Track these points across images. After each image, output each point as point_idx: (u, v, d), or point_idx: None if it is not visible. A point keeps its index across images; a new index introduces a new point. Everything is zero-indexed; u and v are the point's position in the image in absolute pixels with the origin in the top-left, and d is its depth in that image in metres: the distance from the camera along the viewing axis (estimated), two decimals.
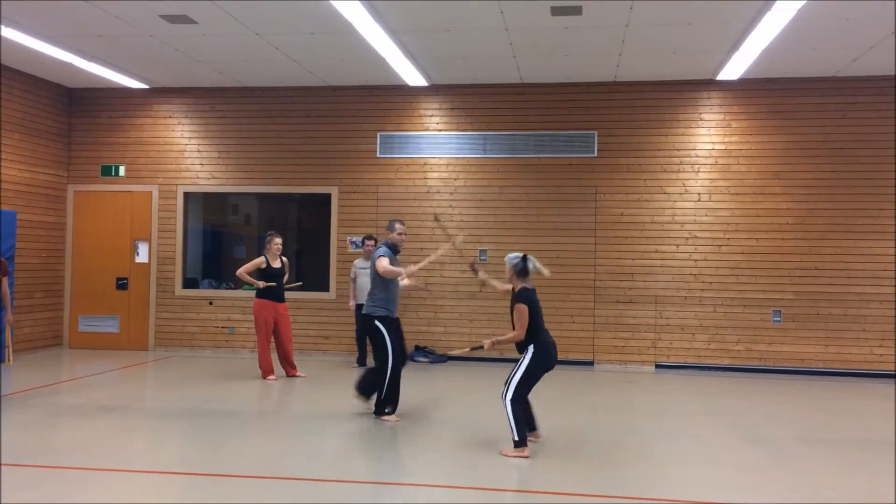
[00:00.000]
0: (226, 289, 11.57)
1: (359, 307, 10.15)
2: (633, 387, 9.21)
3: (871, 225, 10.03)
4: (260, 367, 9.08)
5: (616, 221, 10.53)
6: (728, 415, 7.59)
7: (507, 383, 5.81)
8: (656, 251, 10.44)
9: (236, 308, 11.30)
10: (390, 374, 6.81)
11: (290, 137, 11.31)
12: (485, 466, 5.52)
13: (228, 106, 11.44)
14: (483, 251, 10.78)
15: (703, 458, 5.94)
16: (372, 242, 10.23)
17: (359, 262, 10.28)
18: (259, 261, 9.02)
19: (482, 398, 7.92)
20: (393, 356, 6.78)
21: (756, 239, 10.27)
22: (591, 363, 10.48)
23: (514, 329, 5.83)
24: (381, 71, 10.13)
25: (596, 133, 10.59)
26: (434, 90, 10.99)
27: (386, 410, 6.91)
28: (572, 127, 10.65)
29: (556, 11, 7.76)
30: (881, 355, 9.98)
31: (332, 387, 8.80)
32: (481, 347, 6.08)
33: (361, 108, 11.15)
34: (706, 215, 10.40)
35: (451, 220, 10.92)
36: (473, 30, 8.47)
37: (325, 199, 11.25)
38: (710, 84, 10.36)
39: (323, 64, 10.03)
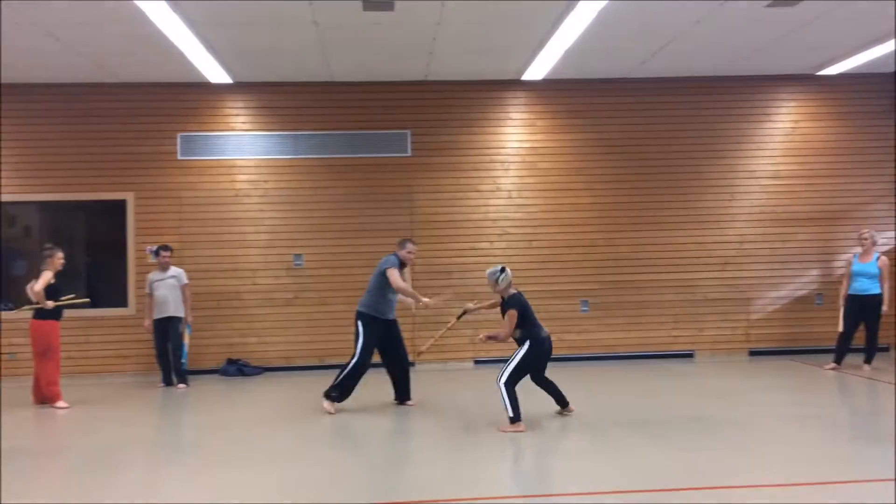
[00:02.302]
0: (4, 310, 10.24)
1: (158, 322, 9.40)
2: (452, 384, 9.27)
3: (661, 216, 10.80)
4: (49, 393, 8.12)
5: (432, 220, 10.55)
6: (547, 404, 7.78)
7: (503, 370, 6.63)
8: (472, 248, 10.59)
9: (17, 331, 10.01)
10: (353, 365, 7.30)
11: (76, 139, 10.23)
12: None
13: (2, 105, 10.13)
14: (298, 256, 10.38)
15: (531, 449, 6.01)
16: (168, 254, 9.50)
17: (154, 276, 9.52)
18: (49, 277, 8.05)
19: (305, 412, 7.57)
20: (362, 352, 7.29)
21: (563, 233, 10.71)
22: (411, 364, 10.40)
23: (503, 328, 6.73)
24: (179, 66, 9.41)
25: (409, 132, 10.55)
26: (239, 88, 10.41)
27: (332, 395, 7.34)
28: (385, 126, 10.54)
29: (368, 6, 7.57)
30: (676, 336, 10.79)
31: (135, 412, 8.04)
32: (465, 312, 7.39)
33: (159, 106, 10.32)
34: (517, 212, 10.70)
35: (263, 224, 10.42)
36: (281, 24, 8.08)
37: (120, 207, 10.30)
38: (517, 84, 10.67)
39: (113, 58, 9.16)
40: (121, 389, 9.33)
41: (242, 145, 10.43)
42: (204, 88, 10.32)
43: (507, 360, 6.75)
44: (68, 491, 5.14)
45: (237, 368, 10.14)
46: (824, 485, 4.89)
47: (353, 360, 7.35)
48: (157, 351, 9.51)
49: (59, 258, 8.19)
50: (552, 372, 9.73)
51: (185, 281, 9.57)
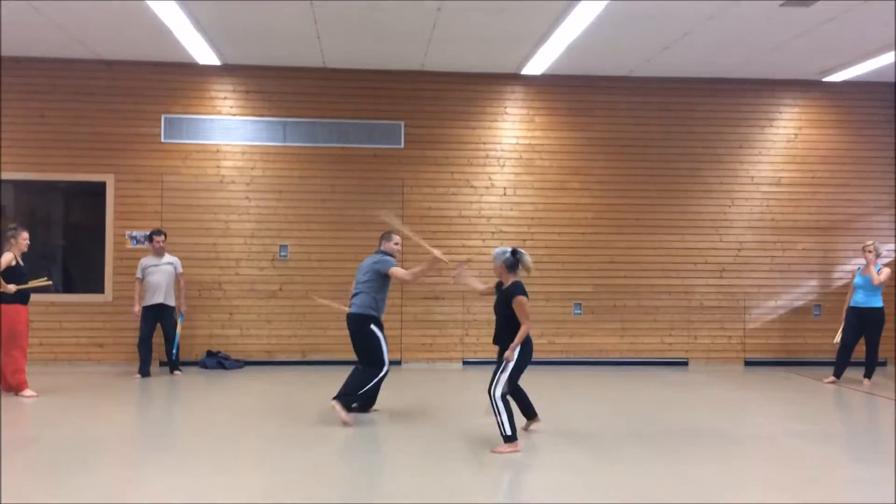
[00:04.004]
0: None
1: (148, 309, 9.06)
2: (442, 385, 8.95)
3: (659, 219, 10.52)
4: (14, 382, 7.69)
5: (423, 215, 10.21)
6: (540, 410, 7.47)
7: (496, 380, 5.76)
8: (463, 246, 10.25)
9: None
10: (383, 374, 6.81)
11: (55, 117, 9.81)
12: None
13: None
14: (283, 247, 10.01)
15: (527, 460, 5.68)
16: (161, 238, 9.18)
17: (147, 260, 9.19)
18: (10, 258, 7.62)
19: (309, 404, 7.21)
20: (387, 357, 6.83)
21: (558, 233, 10.41)
22: (398, 362, 10.09)
23: (521, 323, 5.76)
24: (166, 45, 9.02)
25: (402, 123, 10.20)
26: (227, 70, 10.02)
27: (353, 405, 6.81)
28: (378, 116, 10.18)
29: None
30: (670, 344, 10.51)
31: (108, 404, 7.63)
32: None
33: (143, 86, 9.91)
34: (511, 210, 10.38)
35: (248, 213, 10.04)
36: (274, 4, 7.71)
37: (99, 189, 9.88)
38: (515, 78, 10.34)
39: (96, 33, 8.76)
40: (94, 379, 8.92)
41: (229, 130, 10.04)
42: (190, 69, 9.92)
43: (498, 367, 5.84)
44: (31, 490, 4.76)
45: (217, 361, 9.76)
46: None
47: (383, 369, 6.79)
48: (141, 338, 9.13)
49: (23, 239, 7.77)
50: (542, 375, 9.50)
51: (181, 270, 9.35)
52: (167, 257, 9.26)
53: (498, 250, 6.00)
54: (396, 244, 7.15)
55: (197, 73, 9.97)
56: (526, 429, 6.27)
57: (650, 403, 7.98)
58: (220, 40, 9.00)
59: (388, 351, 6.92)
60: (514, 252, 5.88)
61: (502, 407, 5.70)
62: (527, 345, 5.84)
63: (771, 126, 10.64)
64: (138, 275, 9.18)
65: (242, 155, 10.07)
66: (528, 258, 5.93)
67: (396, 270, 6.89)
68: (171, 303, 9.23)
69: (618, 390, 8.78)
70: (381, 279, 6.90)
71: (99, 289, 9.87)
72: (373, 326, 6.82)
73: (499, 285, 6.06)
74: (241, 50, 9.41)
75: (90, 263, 10.02)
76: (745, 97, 10.59)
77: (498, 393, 5.72)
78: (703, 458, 5.73)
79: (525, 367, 5.90)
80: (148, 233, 9.51)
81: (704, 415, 7.41)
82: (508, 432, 5.66)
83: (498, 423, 5.70)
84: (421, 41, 8.91)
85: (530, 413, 6.28)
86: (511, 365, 5.77)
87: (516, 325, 5.77)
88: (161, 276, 9.12)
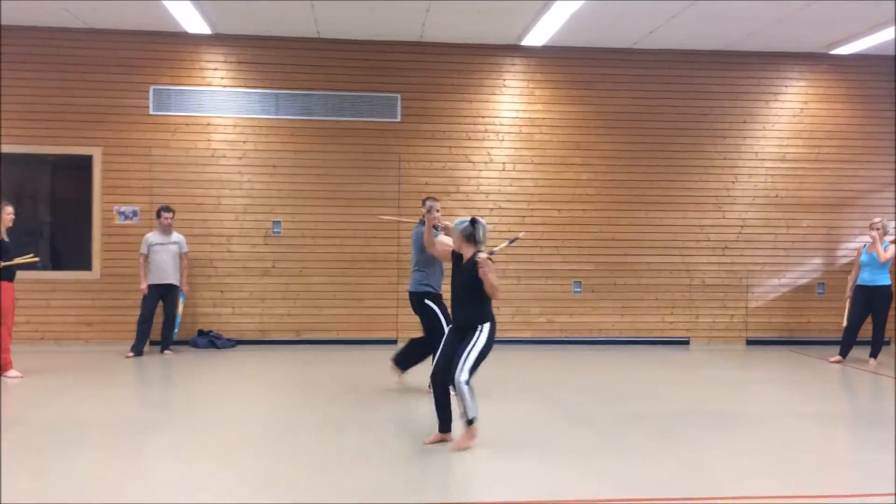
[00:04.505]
0: None
1: (154, 288, 8.84)
2: None
3: (661, 196, 10.29)
4: (0, 361, 7.47)
5: (421, 190, 9.90)
6: (542, 390, 7.30)
7: (461, 363, 5.17)
8: None
9: None
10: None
11: (40, 88, 9.48)
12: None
13: None
14: (277, 223, 9.77)
15: (525, 444, 5.49)
16: (169, 215, 8.94)
17: (153, 237, 8.95)
18: None
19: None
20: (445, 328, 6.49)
21: (558, 210, 10.18)
22: (394, 341, 9.87)
23: (489, 293, 5.22)
24: (154, 13, 8.70)
25: (399, 96, 9.90)
26: (218, 40, 9.69)
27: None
28: (374, 89, 9.88)
29: None
30: (671, 323, 10.33)
31: (96, 384, 7.41)
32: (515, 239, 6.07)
33: (130, 56, 9.58)
34: (510, 185, 10.13)
35: (240, 188, 9.77)
36: None
37: (86, 163, 9.59)
38: (515, 50, 10.04)
39: (82, 0, 8.41)
40: (82, 358, 8.69)
41: (220, 102, 9.73)
42: (180, 38, 9.59)
43: (464, 349, 5.21)
44: (11, 474, 4.54)
45: (208, 340, 9.54)
46: (847, 498, 4.42)
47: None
48: (142, 316, 8.88)
49: (7, 214, 7.50)
50: (541, 355, 9.32)
51: (185, 249, 9.14)
52: (174, 235, 9.03)
53: (458, 221, 5.41)
54: (428, 211, 6.67)
55: (186, 42, 9.64)
56: (429, 442, 5.39)
57: (651, 383, 7.81)
58: (211, 8, 8.68)
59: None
60: (473, 221, 5.30)
61: (468, 391, 5.16)
62: (494, 329, 5.35)
63: (776, 100, 10.38)
64: (143, 251, 8.93)
65: (234, 128, 9.78)
66: (483, 231, 5.32)
67: (427, 241, 6.26)
68: (178, 282, 9.04)
69: (618, 370, 8.60)
70: (422, 252, 6.75)
71: (86, 266, 9.62)
72: (427, 301, 6.83)
73: (455, 256, 5.51)
74: (232, 19, 9.08)
75: (77, 239, 9.76)
76: (749, 70, 10.31)
77: (462, 377, 5.15)
78: (706, 441, 5.57)
79: (489, 352, 5.30)
80: (136, 208, 9.25)
81: (707, 395, 7.24)
82: (471, 415, 5.20)
83: (464, 408, 5.17)
84: (418, 11, 8.60)
85: (447, 427, 5.44)
86: (477, 347, 5.20)
87: (480, 298, 5.26)
88: (167, 254, 8.91)
